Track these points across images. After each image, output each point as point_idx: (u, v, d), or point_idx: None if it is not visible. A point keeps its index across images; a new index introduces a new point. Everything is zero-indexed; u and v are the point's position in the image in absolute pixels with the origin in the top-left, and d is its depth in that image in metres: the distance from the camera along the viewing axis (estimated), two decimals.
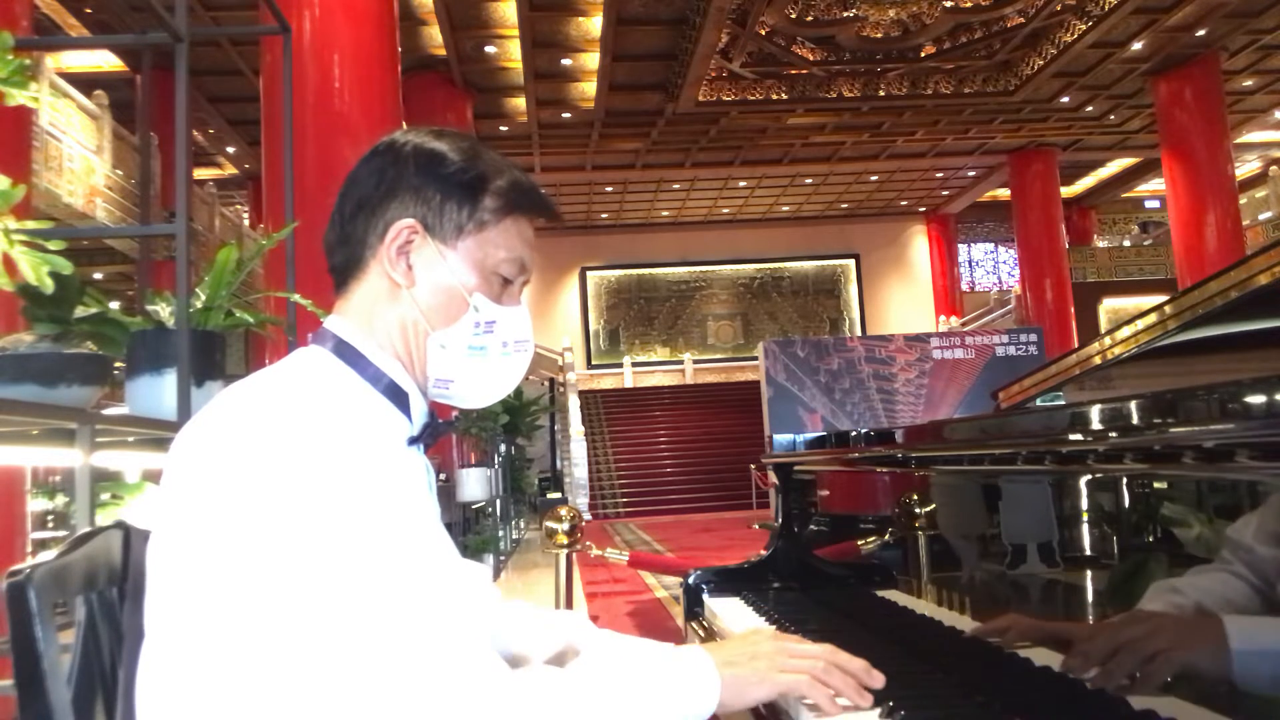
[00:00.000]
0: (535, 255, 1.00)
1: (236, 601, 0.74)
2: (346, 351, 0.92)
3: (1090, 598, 1.00)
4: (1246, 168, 20.32)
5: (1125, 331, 1.53)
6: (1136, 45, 13.58)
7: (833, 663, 0.90)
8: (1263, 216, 17.39)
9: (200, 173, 16.05)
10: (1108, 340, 1.61)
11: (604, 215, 22.26)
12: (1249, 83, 15.60)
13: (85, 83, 10.53)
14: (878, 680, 0.91)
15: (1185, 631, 0.81)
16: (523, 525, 12.60)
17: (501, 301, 0.96)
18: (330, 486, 0.77)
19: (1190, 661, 0.80)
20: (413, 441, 0.93)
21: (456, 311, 0.93)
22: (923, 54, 13.81)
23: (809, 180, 20.39)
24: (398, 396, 0.92)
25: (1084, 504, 1.00)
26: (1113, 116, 16.73)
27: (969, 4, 12.36)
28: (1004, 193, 20.38)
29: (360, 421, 0.86)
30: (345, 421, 0.83)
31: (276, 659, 0.73)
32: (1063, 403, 1.67)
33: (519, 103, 14.41)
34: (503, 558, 8.60)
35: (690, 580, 1.86)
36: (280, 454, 0.77)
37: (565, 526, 3.53)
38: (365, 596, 0.74)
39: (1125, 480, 0.93)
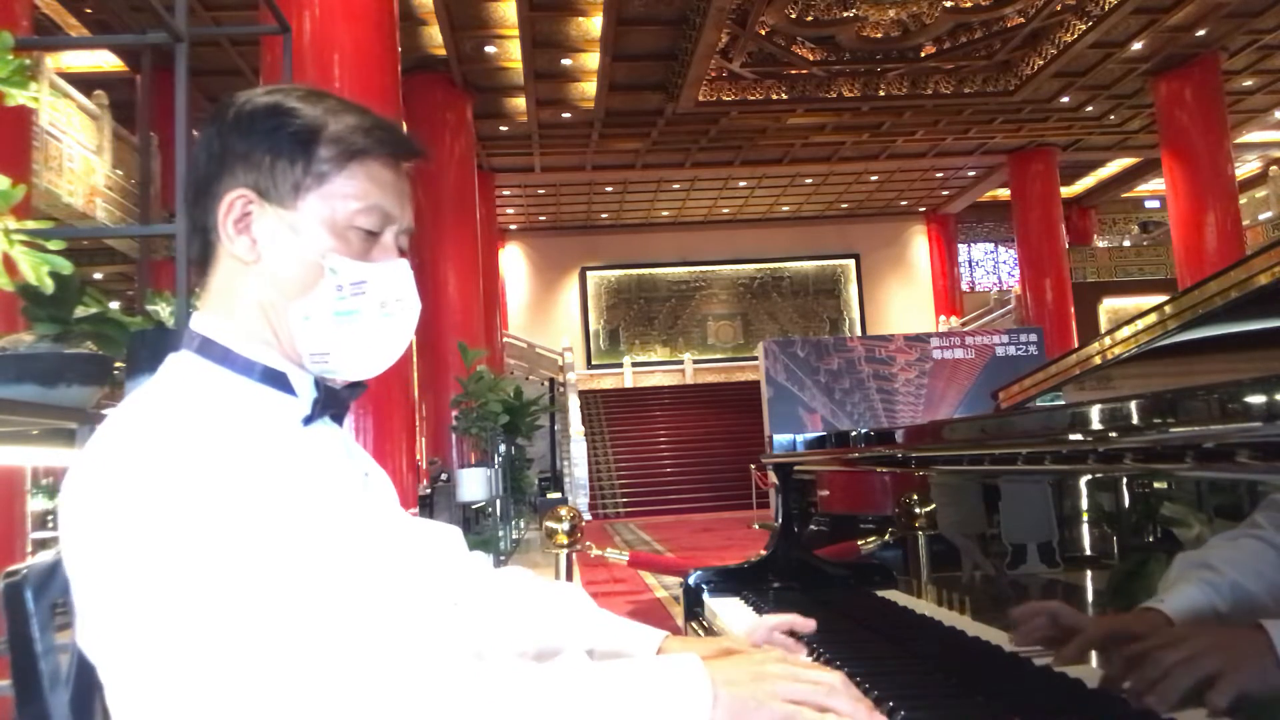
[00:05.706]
0: (411, 199, 0.90)
1: (127, 622, 0.72)
2: (211, 349, 0.87)
3: (1090, 598, 1.00)
4: (1246, 168, 20.31)
5: (1125, 331, 1.52)
6: (1136, 45, 13.58)
7: (843, 690, 0.80)
8: (1263, 216, 17.40)
9: None
10: (1108, 340, 1.61)
11: (604, 215, 22.24)
12: (1249, 83, 15.59)
13: (85, 83, 10.53)
14: None
15: (1235, 648, 0.76)
16: (523, 525, 12.58)
17: (371, 258, 0.87)
18: (200, 499, 0.73)
19: (1243, 679, 0.74)
20: (308, 420, 0.88)
21: (313, 278, 0.86)
22: (923, 54, 13.80)
23: (809, 180, 20.37)
24: (277, 380, 0.87)
25: (1084, 504, 1.00)
26: (1113, 116, 16.72)
27: (969, 4, 12.35)
28: (1004, 193, 20.37)
29: (235, 418, 0.82)
30: (213, 425, 0.80)
31: (166, 675, 0.70)
32: (1063, 403, 1.67)
33: (519, 103, 14.40)
34: (503, 558, 8.60)
35: (690, 580, 1.86)
36: (144, 476, 0.74)
37: (565, 526, 3.53)
38: (241, 596, 0.70)
39: (1125, 480, 0.93)
